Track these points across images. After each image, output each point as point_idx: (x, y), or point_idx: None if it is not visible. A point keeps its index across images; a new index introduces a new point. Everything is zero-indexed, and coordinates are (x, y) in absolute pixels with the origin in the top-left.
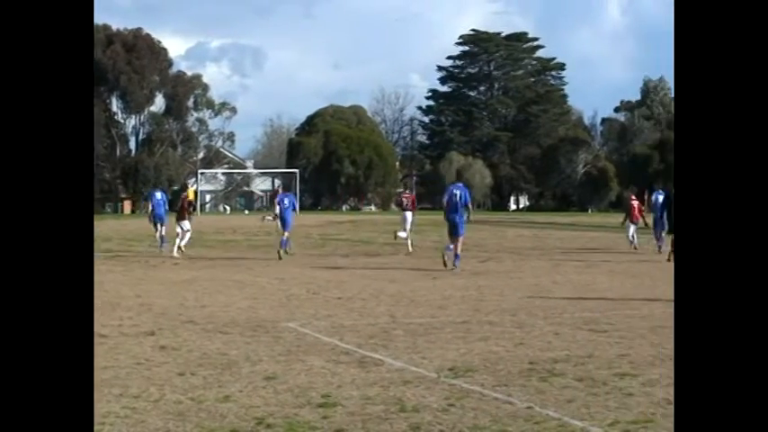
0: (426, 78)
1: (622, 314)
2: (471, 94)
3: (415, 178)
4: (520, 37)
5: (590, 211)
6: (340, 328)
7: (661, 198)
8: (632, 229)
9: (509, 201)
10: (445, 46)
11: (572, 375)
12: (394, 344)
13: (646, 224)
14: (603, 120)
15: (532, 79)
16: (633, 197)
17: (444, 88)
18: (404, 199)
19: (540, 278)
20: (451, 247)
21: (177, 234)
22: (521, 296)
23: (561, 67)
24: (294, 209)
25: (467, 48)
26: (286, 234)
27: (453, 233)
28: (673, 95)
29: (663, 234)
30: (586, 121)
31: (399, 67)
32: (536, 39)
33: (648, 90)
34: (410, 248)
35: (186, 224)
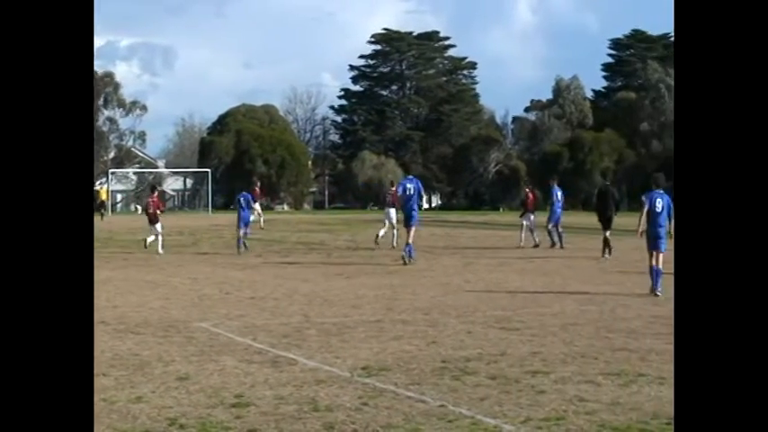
0: (338, 78)
1: (534, 312)
2: (383, 93)
3: (327, 177)
4: (431, 36)
5: (501, 209)
6: (253, 328)
7: (560, 194)
8: (531, 218)
9: (422, 200)
10: (358, 45)
11: (484, 373)
12: (307, 343)
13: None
14: (515, 119)
15: (444, 78)
16: (528, 189)
17: (357, 87)
18: (388, 196)
19: (453, 277)
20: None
21: None
22: (433, 295)
23: (473, 66)
24: (250, 207)
25: (379, 47)
26: (242, 231)
27: (407, 224)
28: (586, 94)
29: (559, 229)
30: (498, 120)
31: (311, 66)
32: (447, 38)
33: (560, 89)
34: (394, 243)
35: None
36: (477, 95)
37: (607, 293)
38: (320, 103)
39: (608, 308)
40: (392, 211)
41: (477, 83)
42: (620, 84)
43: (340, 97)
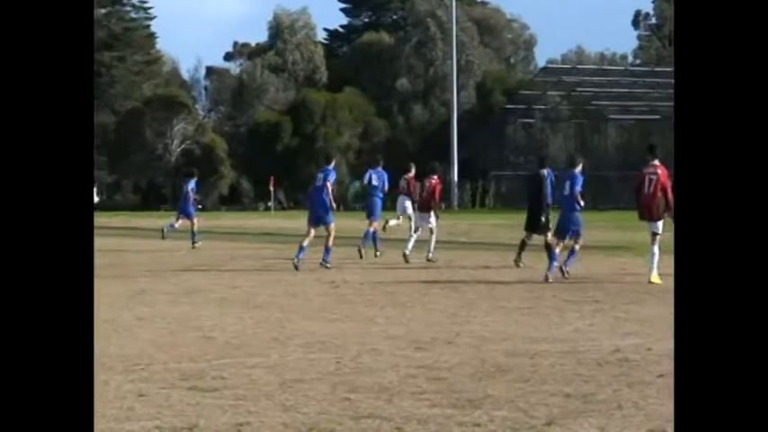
0: None
1: (239, 363)
2: None
3: None
4: None
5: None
6: None
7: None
8: (433, 221)
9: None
10: None
11: None
12: None
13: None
14: (210, 71)
15: (102, 11)
16: (435, 177)
17: None
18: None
19: (120, 312)
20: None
21: None
22: None
23: None
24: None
25: None
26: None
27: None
28: (317, 36)
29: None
30: (185, 75)
31: None
32: None
33: (279, 28)
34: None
35: None
36: (152, 36)
37: (348, 334)
38: None
39: (349, 355)
40: (406, 202)
41: (152, 18)
42: (366, 20)
43: None
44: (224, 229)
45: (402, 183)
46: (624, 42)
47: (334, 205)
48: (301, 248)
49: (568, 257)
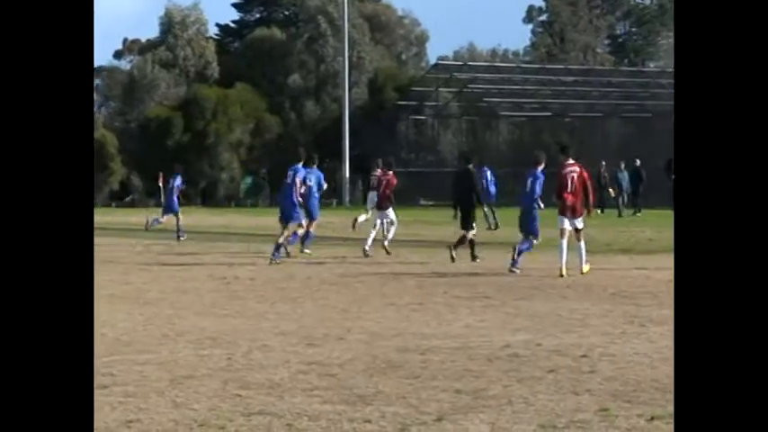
0: None
1: (129, 360)
2: None
3: None
4: None
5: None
6: None
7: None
8: (391, 214)
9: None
10: None
11: None
12: None
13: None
14: (100, 70)
15: None
16: (388, 170)
17: None
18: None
19: None
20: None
21: None
22: None
23: None
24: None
25: None
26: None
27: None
28: (209, 32)
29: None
30: None
31: None
32: None
33: (171, 24)
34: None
35: None
36: None
37: (239, 330)
38: None
39: (240, 351)
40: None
41: None
42: (258, 16)
43: None
44: (115, 226)
45: (372, 180)
46: (516, 38)
47: (301, 200)
48: (278, 246)
49: (519, 253)
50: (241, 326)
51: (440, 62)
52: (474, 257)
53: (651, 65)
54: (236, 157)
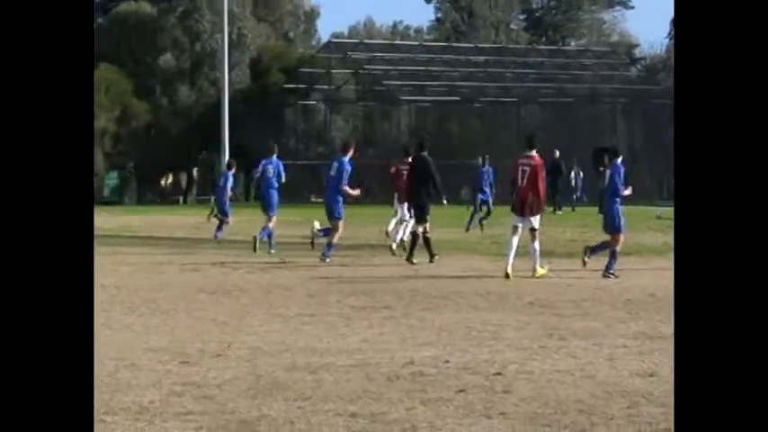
0: None
1: None
2: None
3: None
4: None
5: None
6: None
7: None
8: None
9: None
10: None
11: None
12: None
13: None
14: None
15: None
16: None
17: None
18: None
19: None
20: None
21: None
22: None
23: None
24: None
25: None
26: None
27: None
28: None
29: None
30: None
31: None
32: None
33: None
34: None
35: None
36: None
37: (104, 345)
38: None
39: (105, 371)
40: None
41: None
42: None
43: None
44: None
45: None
46: (419, 14)
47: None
48: (329, 245)
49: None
50: (106, 341)
51: (333, 40)
52: (432, 256)
53: (572, 43)
54: (99, 150)
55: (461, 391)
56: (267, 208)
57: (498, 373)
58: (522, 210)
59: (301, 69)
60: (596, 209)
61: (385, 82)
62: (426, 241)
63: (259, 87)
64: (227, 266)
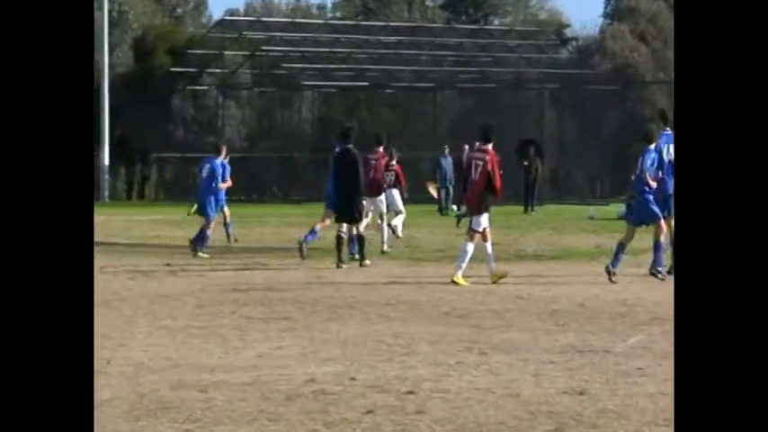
0: None
1: None
2: None
3: None
4: None
5: None
6: None
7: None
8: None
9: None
10: None
11: None
12: None
13: None
14: None
15: None
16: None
17: None
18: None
19: None
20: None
21: None
22: None
23: None
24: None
25: None
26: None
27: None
28: None
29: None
30: None
31: None
32: None
33: None
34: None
35: None
36: None
37: None
38: None
39: None
40: (394, 193)
41: None
42: None
43: None
44: None
45: (389, 176)
46: None
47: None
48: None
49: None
50: None
51: (226, 18)
52: (363, 258)
53: (495, 22)
54: None
55: (369, 411)
56: (202, 211)
57: (410, 392)
58: (470, 207)
59: (191, 51)
60: (521, 207)
61: (285, 65)
62: (339, 243)
63: (143, 71)
64: (106, 272)
